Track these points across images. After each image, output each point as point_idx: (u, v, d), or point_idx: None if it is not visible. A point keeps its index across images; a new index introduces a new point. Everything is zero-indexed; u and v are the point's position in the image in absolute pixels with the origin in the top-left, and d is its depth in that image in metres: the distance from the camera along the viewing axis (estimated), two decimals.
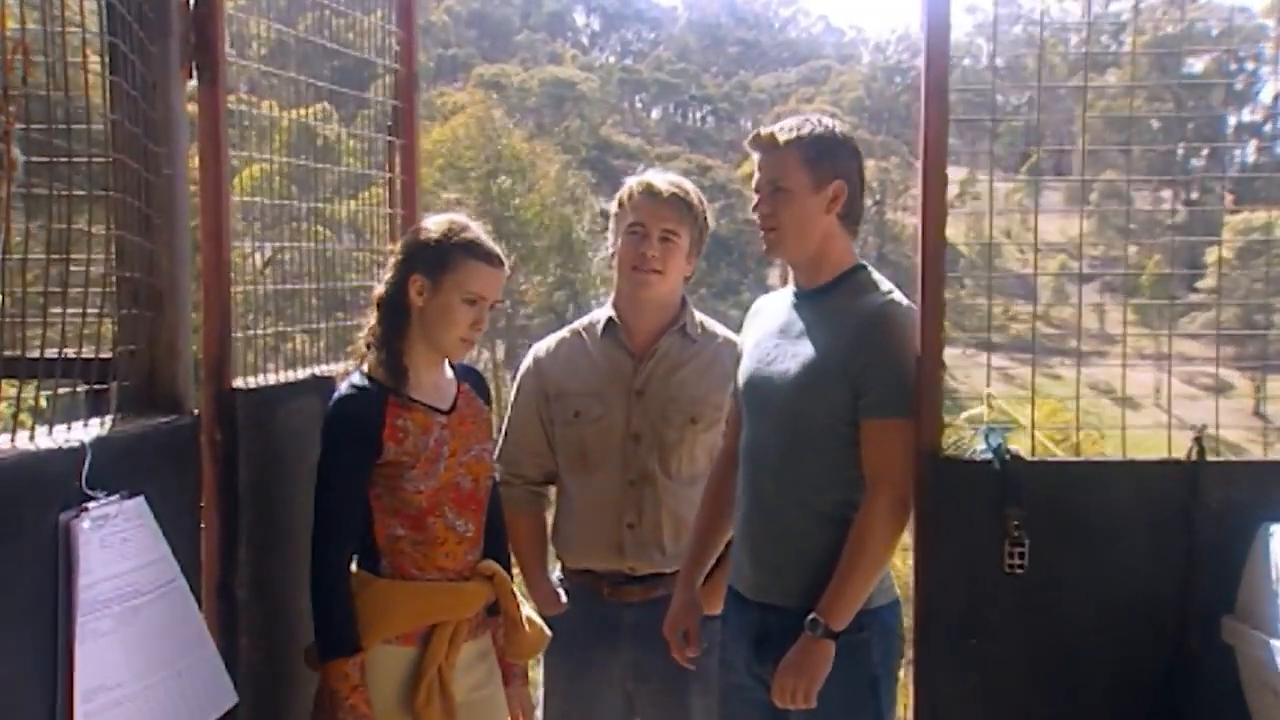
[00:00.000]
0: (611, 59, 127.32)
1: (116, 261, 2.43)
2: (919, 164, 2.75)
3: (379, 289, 2.91)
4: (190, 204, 2.71)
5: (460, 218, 2.93)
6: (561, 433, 3.58)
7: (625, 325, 3.58)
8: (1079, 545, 2.69)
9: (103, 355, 2.51)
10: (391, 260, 2.92)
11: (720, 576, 3.29)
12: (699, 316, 3.65)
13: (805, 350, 2.92)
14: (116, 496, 2.07)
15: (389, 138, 3.68)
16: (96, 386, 2.32)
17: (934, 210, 2.73)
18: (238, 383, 2.85)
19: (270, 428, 2.92)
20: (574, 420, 3.54)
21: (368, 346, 2.86)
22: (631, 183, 3.53)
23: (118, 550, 2.04)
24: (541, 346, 3.72)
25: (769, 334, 3.07)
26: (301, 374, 3.14)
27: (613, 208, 3.61)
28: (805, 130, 2.94)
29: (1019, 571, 2.67)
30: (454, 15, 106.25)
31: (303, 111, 3.36)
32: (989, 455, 2.70)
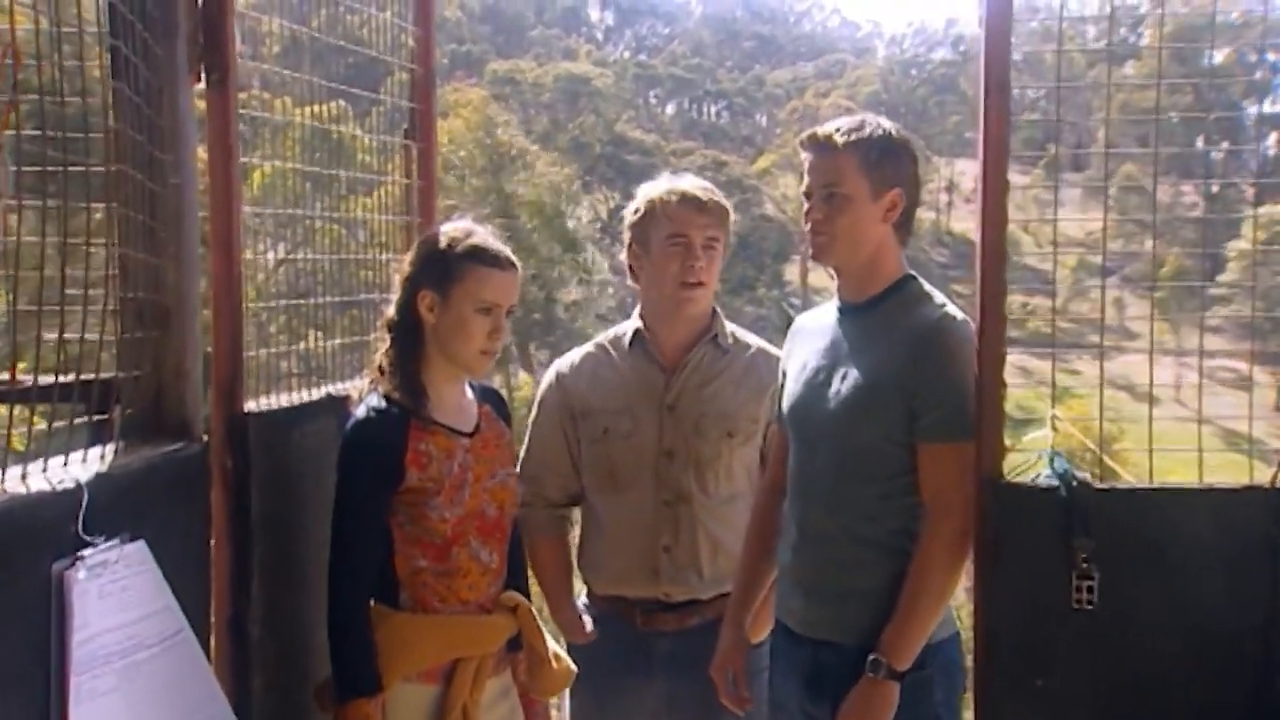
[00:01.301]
0: (626, 54, 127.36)
1: (119, 278, 2.27)
2: (979, 165, 2.56)
3: (389, 310, 2.75)
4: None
5: (464, 223, 2.77)
6: (589, 451, 3.40)
7: (654, 337, 3.40)
8: (1153, 578, 2.49)
9: (104, 378, 2.34)
10: (398, 278, 2.76)
11: (764, 603, 3.13)
12: (729, 326, 3.47)
13: (855, 370, 2.74)
14: (116, 540, 1.90)
15: (405, 141, 3.50)
16: (97, 416, 2.15)
17: (995, 215, 2.53)
18: (250, 405, 2.69)
19: (284, 452, 2.77)
20: (602, 437, 3.36)
21: (381, 370, 2.70)
22: (659, 191, 3.32)
23: (117, 600, 1.87)
24: (564, 362, 3.54)
25: (815, 353, 2.88)
26: (316, 394, 2.96)
27: (630, 216, 3.38)
28: (865, 132, 2.76)
29: (1088, 606, 2.47)
30: (468, 11, 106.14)
31: (317, 109, 3.19)
32: (1054, 481, 2.51)
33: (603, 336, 3.55)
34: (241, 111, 2.67)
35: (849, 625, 2.73)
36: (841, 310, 2.88)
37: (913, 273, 2.85)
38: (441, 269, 2.67)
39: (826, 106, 70.88)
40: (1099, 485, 2.52)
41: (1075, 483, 2.49)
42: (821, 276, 72.09)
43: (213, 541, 2.55)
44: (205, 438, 2.53)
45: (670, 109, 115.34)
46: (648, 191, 3.35)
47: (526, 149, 39.09)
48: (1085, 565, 2.46)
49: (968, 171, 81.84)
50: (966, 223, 74.78)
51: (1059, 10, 2.69)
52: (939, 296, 2.80)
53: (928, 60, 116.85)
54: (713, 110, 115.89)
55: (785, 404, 2.96)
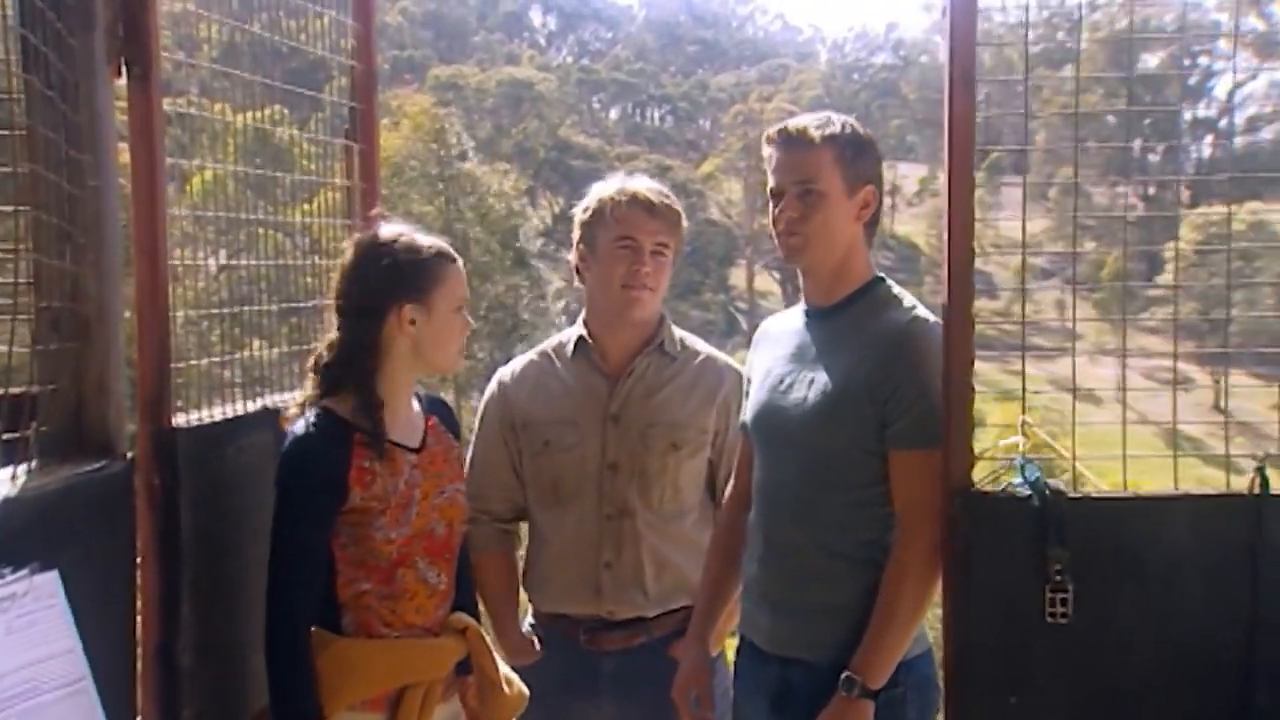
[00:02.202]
0: (569, 59, 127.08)
1: (34, 287, 2.11)
2: (945, 165, 2.45)
3: (333, 337, 2.60)
4: None
5: (399, 226, 2.66)
6: (531, 464, 3.25)
7: (598, 344, 3.26)
8: (1130, 589, 2.39)
9: (17, 393, 2.17)
10: (345, 300, 2.60)
11: (727, 618, 3.03)
12: (678, 333, 3.33)
13: (823, 375, 2.63)
14: (26, 571, 1.74)
15: (346, 142, 3.35)
16: (9, 434, 1.99)
17: (961, 216, 2.43)
18: (178, 420, 2.52)
19: (216, 469, 2.60)
20: (544, 450, 3.22)
21: (328, 385, 2.56)
22: (609, 192, 3.18)
23: (23, 637, 1.72)
24: (506, 371, 3.40)
25: (780, 359, 2.77)
26: (251, 407, 2.80)
27: (580, 215, 3.24)
28: (838, 127, 2.66)
29: (1063, 620, 2.36)
30: (409, 16, 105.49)
31: (256, 115, 3.03)
32: (1026, 490, 2.41)
33: (546, 344, 3.42)
34: (167, 108, 2.51)
35: (819, 641, 2.62)
36: (808, 314, 2.77)
37: (882, 274, 2.75)
38: (420, 278, 2.56)
39: (770, 111, 71.12)
40: (1073, 494, 2.42)
41: (1049, 491, 2.39)
42: (767, 281, 72.67)
43: (139, 565, 2.39)
44: (130, 455, 2.37)
45: (614, 114, 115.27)
46: (598, 191, 3.22)
47: (473, 170, 38.54)
48: (1059, 577, 2.36)
49: (910, 175, 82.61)
50: (909, 226, 75.42)
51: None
52: (909, 299, 2.70)
53: (869, 64, 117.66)
54: (656, 115, 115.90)
55: (750, 412, 2.84)
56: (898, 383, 2.55)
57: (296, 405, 2.59)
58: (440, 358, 2.63)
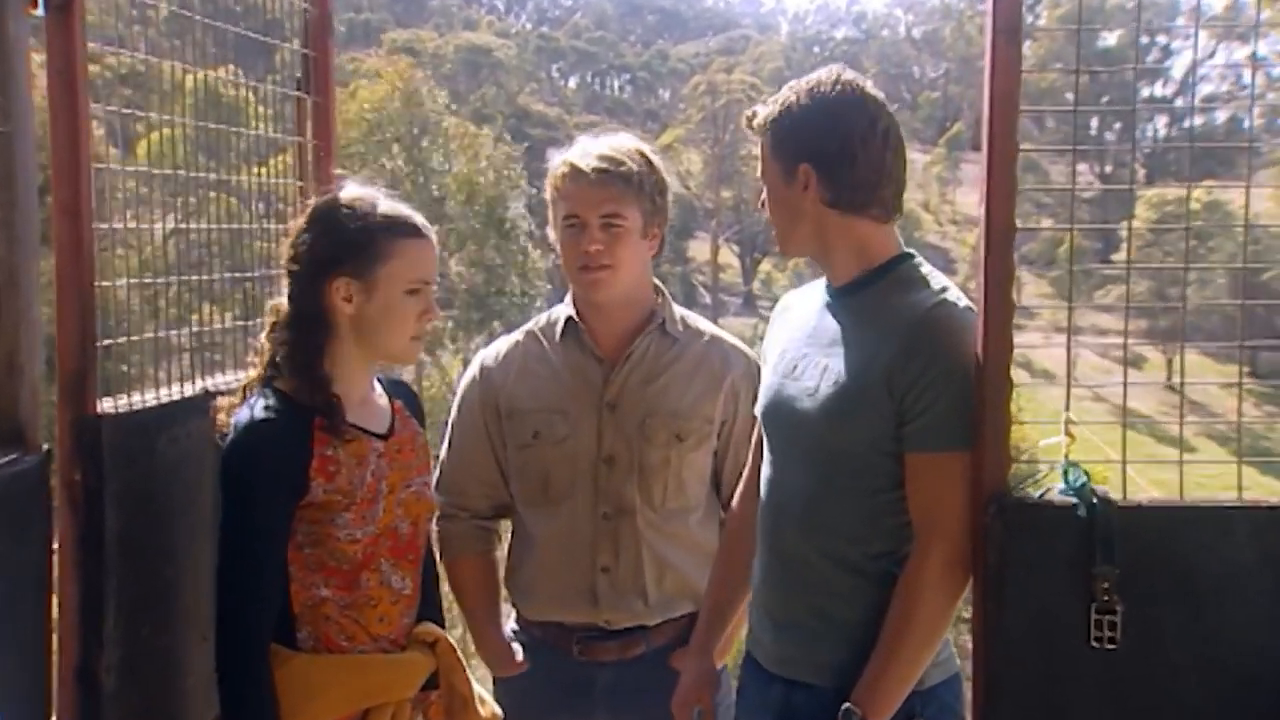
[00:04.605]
0: (528, 25, 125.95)
1: None
2: (984, 134, 2.16)
3: (281, 303, 2.29)
4: None
5: (363, 189, 2.34)
6: (517, 457, 2.94)
7: (589, 325, 2.94)
8: (1185, 611, 2.12)
9: None
10: (292, 266, 2.29)
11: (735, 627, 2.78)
12: (679, 311, 3.03)
13: (838, 362, 2.33)
14: None
15: (298, 93, 3.00)
16: None
17: (1002, 183, 2.14)
18: (105, 405, 2.20)
19: (148, 462, 2.30)
20: (533, 442, 2.91)
21: (273, 364, 2.24)
22: (556, 164, 2.87)
23: None
24: (489, 353, 3.07)
25: (795, 341, 2.47)
26: (189, 390, 2.47)
27: (546, 194, 2.93)
28: (774, 110, 2.37)
29: (1110, 645, 2.09)
30: None
31: (208, 74, 2.70)
32: (1070, 497, 2.14)
33: (533, 323, 3.09)
34: (90, 46, 2.16)
35: (825, 664, 2.34)
36: (828, 291, 2.47)
37: (909, 251, 2.44)
38: (358, 249, 2.23)
39: (731, 82, 70.82)
40: (1123, 502, 2.14)
41: (1096, 499, 2.11)
42: (728, 254, 72.43)
43: (56, 574, 2.08)
44: (46, 447, 2.06)
45: (573, 82, 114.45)
46: (552, 164, 2.90)
47: (465, 127, 37.70)
48: (1107, 597, 2.09)
49: None
50: None
51: None
52: (939, 279, 2.38)
53: (830, 38, 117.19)
54: (616, 84, 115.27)
55: (761, 399, 2.54)
56: (917, 374, 2.23)
57: (238, 389, 2.27)
58: (386, 344, 2.30)
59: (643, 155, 2.88)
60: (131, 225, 2.46)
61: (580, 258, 2.81)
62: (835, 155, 2.33)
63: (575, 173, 2.80)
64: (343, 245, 2.23)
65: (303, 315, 2.25)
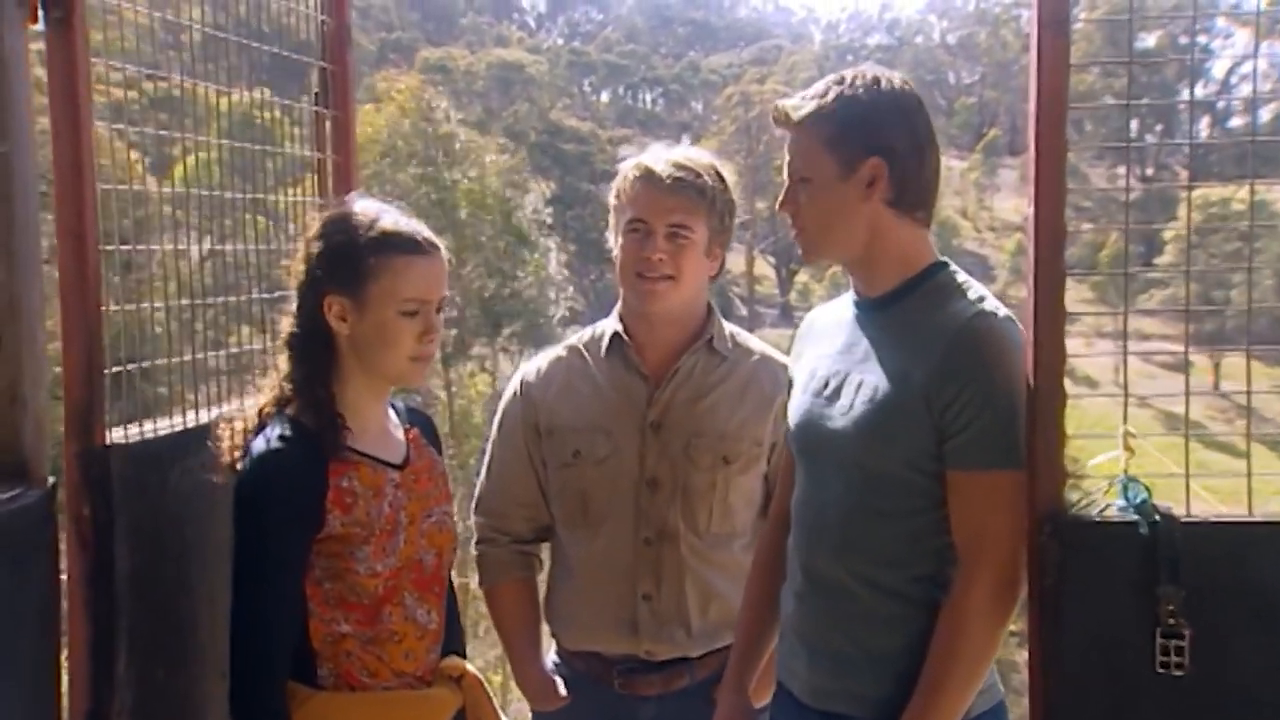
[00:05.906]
0: (559, 41, 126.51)
1: None
2: (1030, 136, 2.04)
3: (284, 324, 2.20)
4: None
5: (369, 203, 2.23)
6: (557, 477, 2.83)
7: (635, 341, 2.83)
8: (1257, 634, 1.99)
9: None
10: (293, 280, 2.21)
11: (771, 660, 2.61)
12: (729, 328, 2.91)
13: (873, 378, 2.20)
14: None
15: (317, 108, 2.92)
16: None
17: (1051, 184, 2.02)
18: (115, 435, 2.12)
19: (160, 494, 2.21)
20: (573, 462, 2.80)
21: (284, 392, 2.15)
22: (628, 166, 2.77)
23: None
24: (531, 368, 2.97)
25: (826, 358, 2.34)
26: (202, 418, 2.38)
27: (610, 199, 2.83)
28: (827, 100, 2.23)
29: (1177, 671, 1.97)
30: None
31: (240, 98, 2.65)
32: (1130, 514, 2.01)
33: (576, 338, 2.98)
34: (95, 61, 2.08)
35: (864, 696, 2.22)
36: (858, 304, 2.35)
37: (944, 259, 2.32)
38: (349, 266, 2.13)
39: (764, 92, 70.66)
40: (1187, 518, 2.01)
41: (1159, 516, 1.98)
42: (763, 265, 72.25)
43: (66, 613, 2.00)
44: (53, 480, 1.97)
45: (605, 96, 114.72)
46: (623, 168, 2.81)
47: (473, 140, 37.79)
48: (1173, 620, 1.96)
49: None
50: None
51: None
52: (977, 288, 2.25)
53: (863, 46, 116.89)
54: (648, 97, 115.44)
55: (791, 420, 2.41)
56: (959, 389, 2.11)
57: (239, 418, 2.19)
58: (382, 365, 2.19)
59: (717, 172, 2.79)
60: (155, 248, 2.39)
61: (640, 264, 2.71)
62: (907, 152, 2.23)
63: (648, 175, 2.71)
64: (333, 262, 2.14)
65: (304, 334, 2.16)
